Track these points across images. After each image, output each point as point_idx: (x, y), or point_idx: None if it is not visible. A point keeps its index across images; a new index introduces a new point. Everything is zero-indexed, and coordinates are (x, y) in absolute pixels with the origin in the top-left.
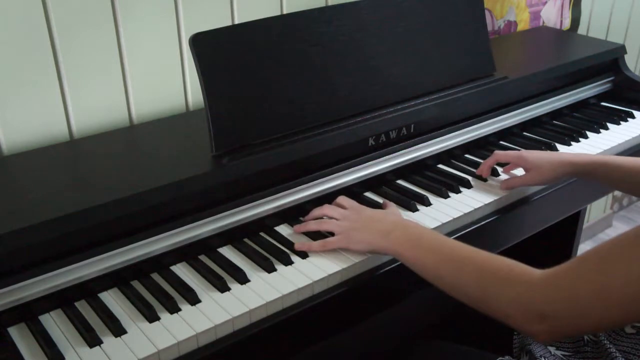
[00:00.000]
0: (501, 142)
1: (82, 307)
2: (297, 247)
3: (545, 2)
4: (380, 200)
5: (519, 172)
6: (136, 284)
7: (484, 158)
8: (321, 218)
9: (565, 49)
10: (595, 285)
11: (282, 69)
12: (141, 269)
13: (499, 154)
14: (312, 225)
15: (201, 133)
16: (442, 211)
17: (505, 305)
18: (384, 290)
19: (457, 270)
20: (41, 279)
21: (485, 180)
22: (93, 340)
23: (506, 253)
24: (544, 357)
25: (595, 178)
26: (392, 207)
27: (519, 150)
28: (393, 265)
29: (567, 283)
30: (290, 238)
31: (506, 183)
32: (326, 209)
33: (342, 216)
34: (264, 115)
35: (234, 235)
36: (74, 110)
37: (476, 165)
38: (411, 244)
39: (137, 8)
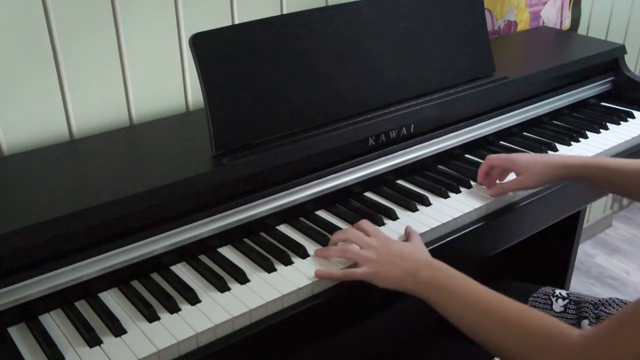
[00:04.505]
0: (501, 142)
1: (82, 307)
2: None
3: (545, 2)
4: (380, 200)
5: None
6: (136, 284)
7: (483, 158)
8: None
9: (565, 49)
10: (636, 348)
11: (282, 68)
12: (141, 269)
13: (490, 157)
14: (333, 252)
15: (201, 133)
16: (442, 211)
17: None
18: (384, 290)
19: (492, 326)
20: (41, 279)
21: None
22: (93, 340)
23: (507, 252)
24: None
25: (590, 180)
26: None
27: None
28: None
29: (605, 348)
30: (292, 237)
31: (495, 189)
32: (350, 234)
33: (366, 245)
34: (264, 115)
35: (234, 235)
36: (74, 110)
37: (476, 165)
38: (441, 289)
39: (137, 8)
